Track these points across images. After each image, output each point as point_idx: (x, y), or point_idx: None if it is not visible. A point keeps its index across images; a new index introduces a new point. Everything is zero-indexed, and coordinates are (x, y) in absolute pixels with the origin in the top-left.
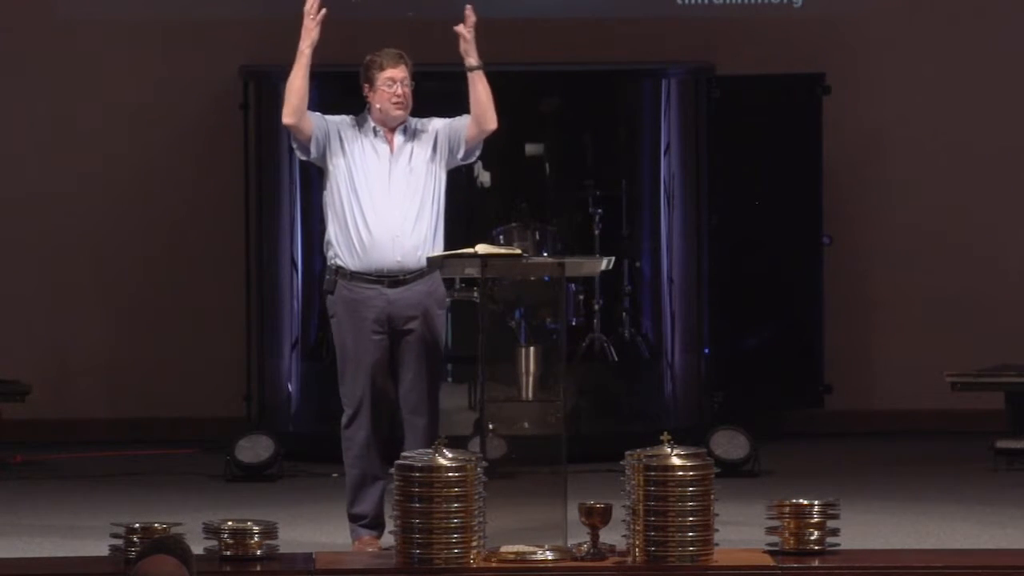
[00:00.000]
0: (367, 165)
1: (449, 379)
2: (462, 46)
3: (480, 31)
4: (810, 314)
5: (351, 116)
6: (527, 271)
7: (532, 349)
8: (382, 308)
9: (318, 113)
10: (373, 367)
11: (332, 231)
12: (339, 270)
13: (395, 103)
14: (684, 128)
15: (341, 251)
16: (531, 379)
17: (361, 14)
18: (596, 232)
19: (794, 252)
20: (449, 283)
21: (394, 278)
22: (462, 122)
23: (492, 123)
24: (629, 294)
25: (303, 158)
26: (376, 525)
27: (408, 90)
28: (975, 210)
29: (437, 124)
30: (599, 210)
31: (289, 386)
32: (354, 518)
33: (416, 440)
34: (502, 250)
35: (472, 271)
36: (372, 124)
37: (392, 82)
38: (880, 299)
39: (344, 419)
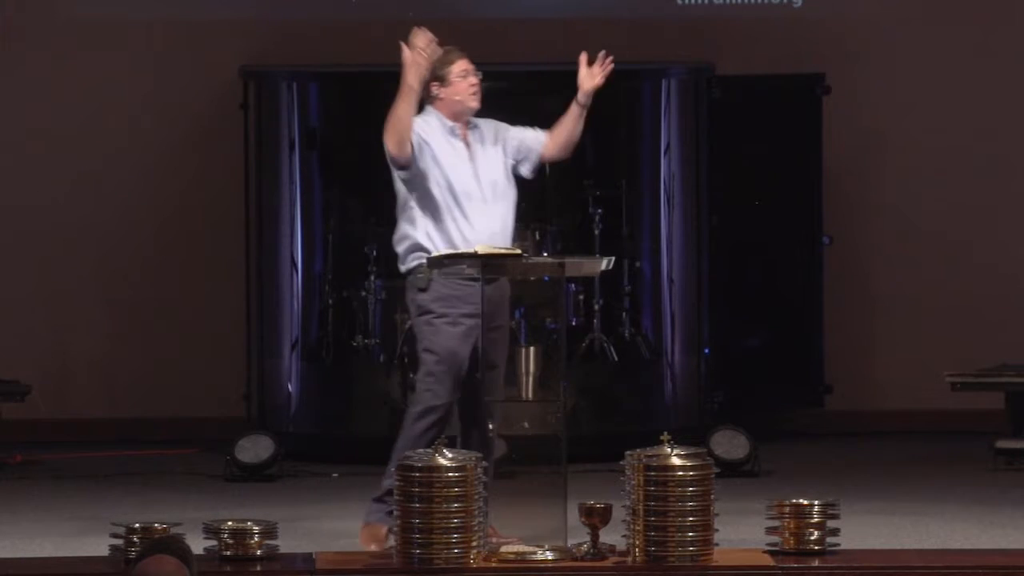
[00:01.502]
0: (455, 164)
1: None
2: (588, 83)
3: (480, 31)
4: (810, 314)
5: (417, 123)
6: (527, 271)
7: (532, 349)
8: (478, 304)
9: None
10: (465, 363)
11: (423, 231)
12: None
13: (472, 94)
14: (684, 128)
15: (440, 249)
16: (531, 379)
17: (361, 14)
18: (596, 232)
19: (794, 252)
20: None
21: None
22: (538, 138)
23: (568, 156)
24: (629, 294)
25: (403, 176)
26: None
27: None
28: (975, 210)
29: (503, 126)
30: (599, 210)
31: (289, 386)
32: (384, 495)
33: (484, 435)
34: (502, 250)
35: (472, 271)
36: (447, 123)
37: (466, 73)
38: (880, 299)
39: (420, 408)
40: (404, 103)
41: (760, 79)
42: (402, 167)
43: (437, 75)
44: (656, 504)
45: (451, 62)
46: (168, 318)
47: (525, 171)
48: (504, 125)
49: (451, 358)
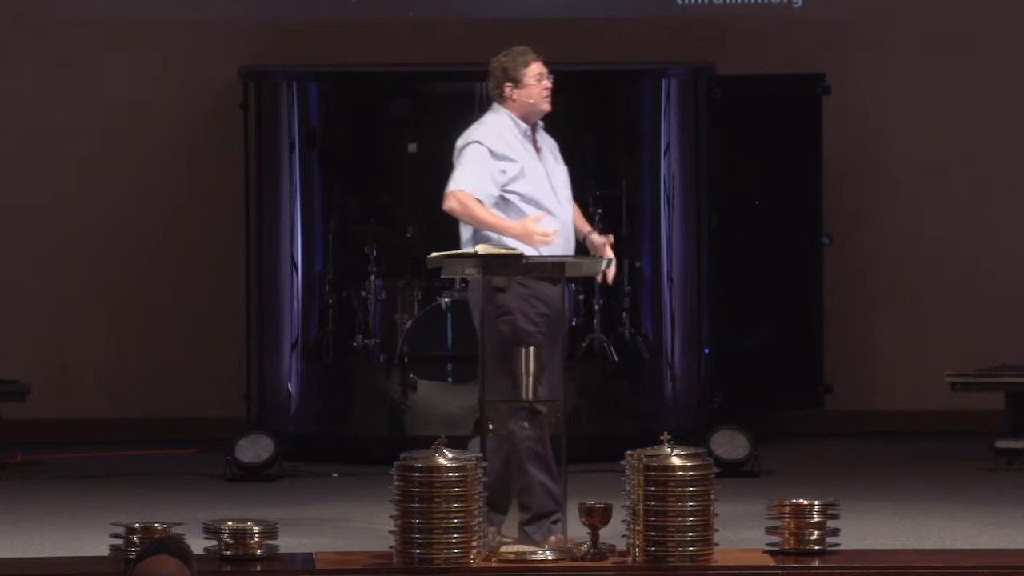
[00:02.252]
0: (533, 167)
1: (449, 379)
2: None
3: (480, 31)
4: (810, 314)
5: (491, 127)
6: (527, 271)
7: (532, 349)
8: (559, 304)
9: (492, 178)
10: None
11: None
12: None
13: (545, 97)
14: (684, 128)
15: (522, 250)
16: (531, 379)
17: (361, 14)
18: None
19: (794, 252)
20: (449, 283)
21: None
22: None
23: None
24: (629, 294)
25: None
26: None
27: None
28: (975, 210)
29: (557, 150)
30: (599, 210)
31: (289, 386)
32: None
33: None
34: (502, 250)
35: (472, 271)
36: (521, 125)
37: (542, 76)
38: (880, 299)
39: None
40: (491, 226)
41: (760, 79)
42: None
43: (512, 76)
44: (656, 504)
45: (526, 64)
46: (168, 318)
47: None
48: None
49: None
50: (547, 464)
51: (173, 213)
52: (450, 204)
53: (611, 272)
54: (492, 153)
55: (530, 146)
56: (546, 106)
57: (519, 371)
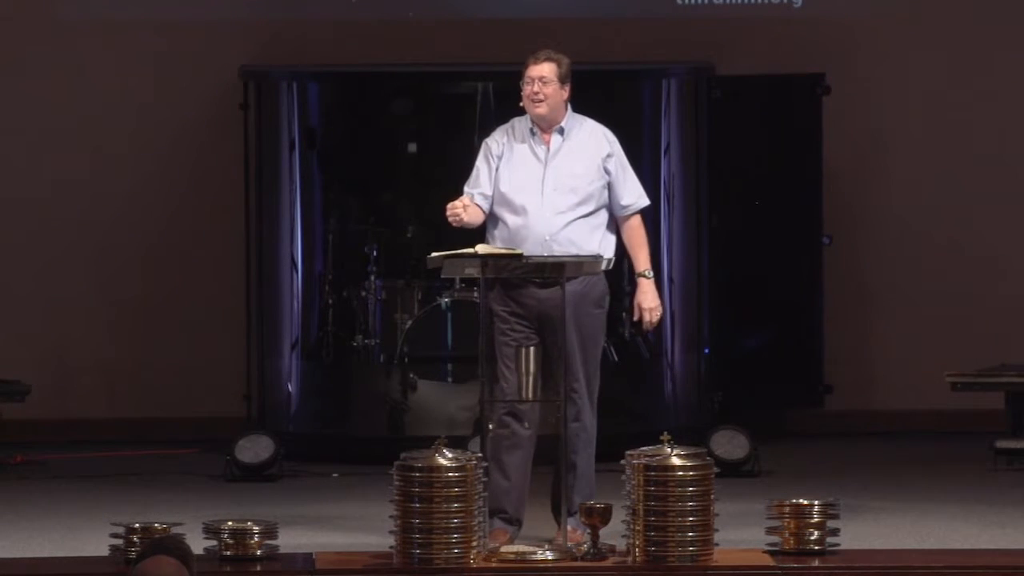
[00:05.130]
0: (522, 166)
1: (449, 379)
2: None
3: (480, 31)
4: (810, 314)
5: (507, 126)
6: (527, 271)
7: (532, 349)
8: (538, 305)
9: (484, 176)
10: None
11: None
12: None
13: (532, 100)
14: (684, 128)
15: (495, 244)
16: (531, 379)
17: (361, 14)
18: None
19: (794, 252)
20: (449, 283)
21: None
22: (622, 197)
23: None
24: (629, 294)
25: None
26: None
27: (549, 88)
28: (975, 210)
29: (614, 150)
30: None
31: (289, 386)
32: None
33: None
34: (502, 250)
35: (472, 271)
36: (529, 126)
37: (530, 80)
38: (880, 299)
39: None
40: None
41: (760, 79)
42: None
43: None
44: (656, 504)
45: (526, 67)
46: (168, 318)
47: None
48: (616, 156)
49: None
50: (500, 465)
51: (173, 213)
52: None
53: (650, 315)
54: (488, 151)
55: (539, 147)
56: (535, 110)
57: (518, 371)
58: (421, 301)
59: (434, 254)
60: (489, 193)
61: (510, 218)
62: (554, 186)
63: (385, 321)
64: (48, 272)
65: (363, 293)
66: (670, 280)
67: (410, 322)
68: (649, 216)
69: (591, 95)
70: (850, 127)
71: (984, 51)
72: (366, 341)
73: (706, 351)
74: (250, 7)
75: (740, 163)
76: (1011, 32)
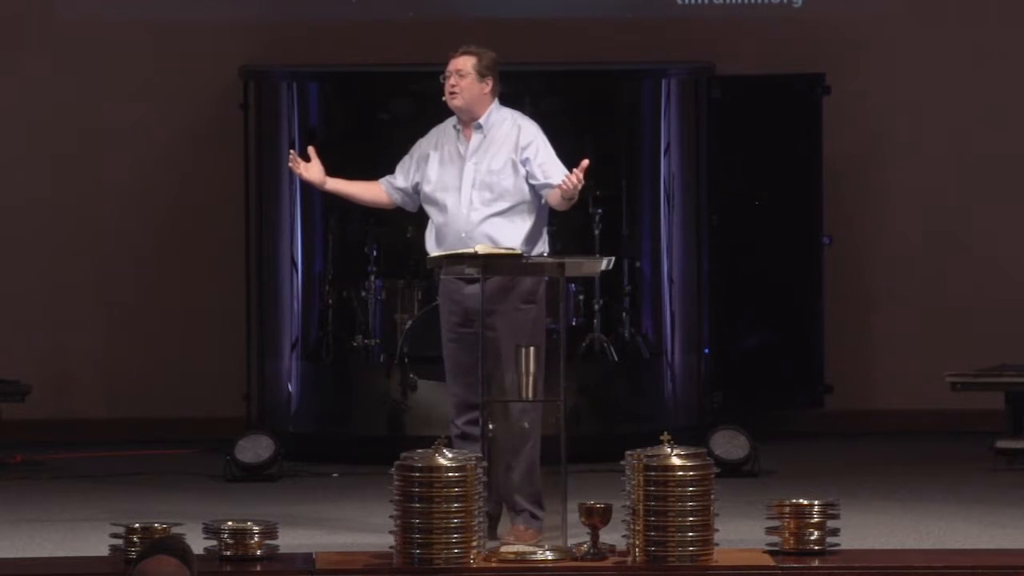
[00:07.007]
0: (441, 165)
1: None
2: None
3: (480, 31)
4: (810, 314)
5: (440, 125)
6: (527, 271)
7: (532, 349)
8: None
9: (403, 170)
10: None
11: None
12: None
13: (448, 92)
14: (684, 128)
15: (429, 247)
16: (531, 379)
17: (361, 14)
18: (596, 232)
19: (794, 252)
20: None
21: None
22: (551, 177)
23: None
24: (629, 294)
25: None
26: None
27: (465, 81)
28: (975, 210)
29: (528, 138)
30: (599, 210)
31: (289, 386)
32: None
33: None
34: (502, 250)
35: (472, 271)
36: (455, 123)
37: (448, 73)
38: (880, 299)
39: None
40: (342, 192)
41: (760, 79)
42: (409, 207)
43: None
44: (656, 504)
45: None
46: (168, 318)
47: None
48: (535, 143)
49: None
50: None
51: (173, 213)
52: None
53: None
54: (416, 147)
55: (461, 145)
56: (450, 101)
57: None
58: (421, 301)
59: (434, 254)
60: (399, 185)
61: (435, 216)
62: (472, 183)
63: (385, 321)
64: (48, 272)
65: (363, 293)
66: (670, 280)
67: (410, 322)
68: (649, 216)
69: (591, 95)
70: (850, 127)
71: (985, 50)
72: (366, 341)
73: (706, 351)
74: (250, 7)
75: (740, 163)
76: (1011, 32)
